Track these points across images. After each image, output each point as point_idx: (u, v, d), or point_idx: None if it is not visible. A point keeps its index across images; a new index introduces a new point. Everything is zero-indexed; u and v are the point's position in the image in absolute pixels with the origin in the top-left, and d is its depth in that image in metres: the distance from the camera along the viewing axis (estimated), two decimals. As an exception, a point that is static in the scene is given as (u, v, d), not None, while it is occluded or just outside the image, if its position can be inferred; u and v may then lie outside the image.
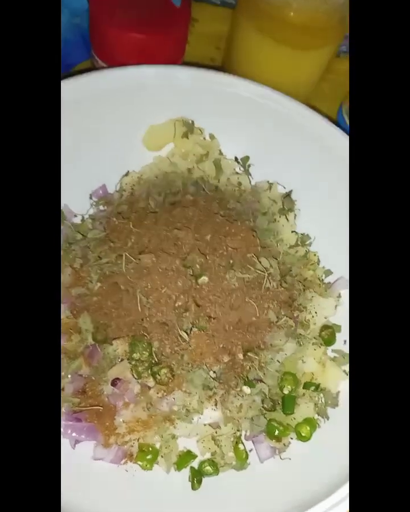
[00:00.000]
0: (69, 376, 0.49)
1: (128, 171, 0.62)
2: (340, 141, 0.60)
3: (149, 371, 0.47)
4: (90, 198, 0.61)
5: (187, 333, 0.47)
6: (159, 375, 0.46)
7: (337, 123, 0.78)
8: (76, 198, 0.60)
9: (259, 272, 0.51)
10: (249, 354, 0.49)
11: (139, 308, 0.48)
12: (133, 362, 0.47)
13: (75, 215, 0.60)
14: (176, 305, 0.48)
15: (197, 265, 0.49)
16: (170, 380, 0.47)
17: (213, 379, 0.47)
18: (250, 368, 0.49)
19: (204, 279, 0.48)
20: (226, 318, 0.48)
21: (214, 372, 0.48)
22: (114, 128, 0.62)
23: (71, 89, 0.57)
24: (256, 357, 0.49)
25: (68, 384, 0.49)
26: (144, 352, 0.47)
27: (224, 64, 0.77)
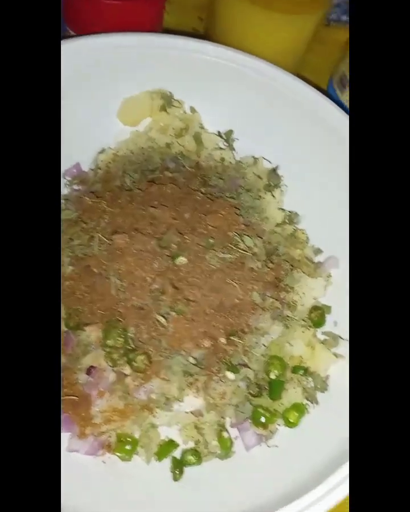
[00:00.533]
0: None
1: (103, 148, 0.59)
2: (331, 112, 0.57)
3: (125, 358, 0.44)
4: (63, 177, 0.58)
5: (164, 318, 0.44)
6: (135, 362, 0.44)
7: (327, 94, 0.75)
8: (50, 178, 0.57)
9: (242, 251, 0.48)
10: (232, 338, 0.46)
11: (113, 291, 0.45)
12: (107, 349, 0.44)
13: (49, 196, 0.57)
14: (152, 288, 0.45)
15: (175, 246, 0.46)
16: (147, 368, 0.44)
17: (194, 365, 0.45)
18: (233, 353, 0.46)
19: (182, 259, 0.45)
20: (207, 301, 0.45)
21: (194, 358, 0.45)
22: (88, 102, 0.58)
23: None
24: (240, 341, 0.46)
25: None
26: (119, 338, 0.44)
27: (206, 33, 0.73)
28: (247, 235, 0.49)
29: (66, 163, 0.57)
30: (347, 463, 0.40)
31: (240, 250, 0.48)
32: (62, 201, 0.55)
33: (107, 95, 0.58)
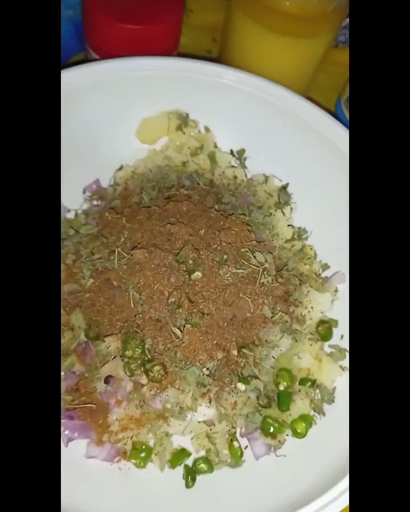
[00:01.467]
0: (62, 373, 0.49)
1: (122, 165, 0.61)
2: (338, 134, 0.59)
3: (142, 368, 0.46)
4: (84, 192, 0.60)
5: (180, 330, 0.46)
6: (152, 372, 0.46)
7: (335, 115, 0.77)
8: (69, 193, 0.59)
9: (254, 267, 0.50)
10: (243, 350, 0.48)
11: (132, 304, 0.47)
12: (126, 359, 0.46)
13: (68, 211, 0.59)
14: (169, 301, 0.47)
15: (191, 261, 0.48)
16: (163, 378, 0.46)
17: (207, 376, 0.47)
18: (244, 364, 0.48)
19: (198, 274, 0.48)
20: (220, 314, 0.47)
21: (208, 369, 0.47)
22: (108, 121, 0.61)
23: (65, 82, 0.56)
24: (251, 353, 0.48)
25: (61, 381, 0.49)
26: (137, 349, 0.46)
27: (220, 56, 0.76)
28: (259, 251, 0.51)
29: (86, 179, 0.60)
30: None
31: (252, 265, 0.50)
32: (82, 215, 0.58)
33: (127, 115, 0.61)
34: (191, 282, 0.48)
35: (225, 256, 0.49)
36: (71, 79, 0.57)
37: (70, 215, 0.59)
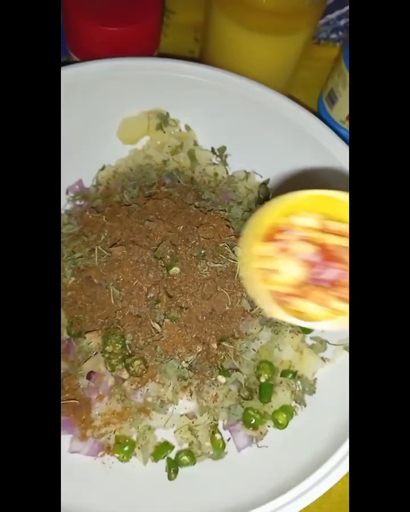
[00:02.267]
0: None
1: (104, 165, 0.62)
2: (318, 130, 0.60)
3: (123, 364, 0.47)
4: (67, 193, 0.61)
5: (159, 324, 0.47)
6: (132, 367, 0.47)
7: (317, 111, 0.78)
8: (53, 194, 0.60)
9: (232, 261, 0.50)
10: (223, 343, 0.49)
11: (112, 300, 0.48)
12: (106, 355, 0.47)
13: (52, 211, 0.60)
14: (148, 296, 0.48)
15: (168, 256, 0.49)
16: (144, 372, 0.47)
17: (187, 369, 0.47)
18: (224, 357, 0.49)
19: (175, 269, 0.48)
20: (199, 308, 0.48)
21: (187, 362, 0.48)
22: (89, 122, 0.62)
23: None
24: (231, 346, 0.49)
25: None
26: (117, 344, 0.47)
27: (201, 55, 0.76)
28: (237, 246, 0.52)
29: (69, 180, 0.61)
30: (329, 460, 0.42)
31: (230, 260, 0.50)
32: (65, 215, 0.59)
33: (108, 115, 0.61)
34: (169, 277, 0.48)
35: (203, 251, 0.50)
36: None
37: (54, 216, 0.60)
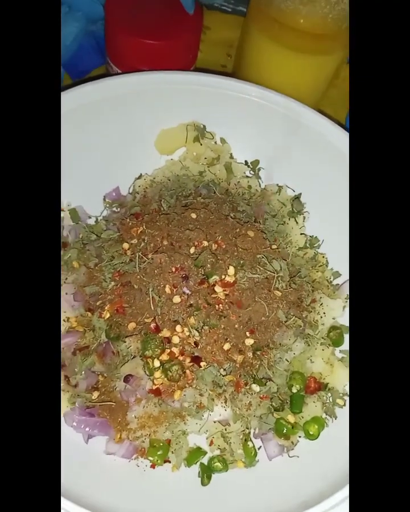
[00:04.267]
0: (83, 372, 0.50)
1: (141, 174, 0.64)
2: (348, 145, 0.61)
3: (161, 368, 0.48)
4: (104, 200, 0.63)
5: (198, 331, 0.48)
6: (170, 371, 0.47)
7: (346, 127, 0.80)
8: (90, 200, 0.62)
9: (270, 272, 0.52)
10: (258, 352, 0.50)
11: (152, 306, 0.49)
12: (145, 359, 0.48)
13: (89, 217, 0.62)
14: (188, 303, 0.49)
15: (209, 265, 0.50)
16: (181, 377, 0.48)
17: (223, 376, 0.48)
18: (259, 366, 0.50)
19: (215, 278, 0.49)
20: (237, 317, 0.49)
21: (224, 370, 0.48)
22: (128, 132, 0.63)
23: (86, 94, 0.59)
24: (266, 356, 0.50)
25: (81, 380, 0.50)
26: (156, 349, 0.48)
27: (235, 71, 0.78)
28: (273, 258, 0.53)
29: (107, 187, 0.62)
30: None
31: (267, 271, 0.52)
32: (102, 221, 0.60)
33: (147, 126, 0.63)
34: (208, 285, 0.49)
35: (241, 262, 0.51)
36: (93, 91, 0.60)
37: (92, 221, 0.61)
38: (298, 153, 0.65)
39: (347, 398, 0.53)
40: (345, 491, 0.44)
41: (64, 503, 0.40)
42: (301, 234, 0.61)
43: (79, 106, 0.58)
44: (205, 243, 0.52)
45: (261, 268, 0.52)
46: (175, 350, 0.48)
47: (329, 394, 0.53)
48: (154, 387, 0.48)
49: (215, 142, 0.66)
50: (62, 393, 0.50)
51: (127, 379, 0.48)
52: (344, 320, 0.57)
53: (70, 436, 0.48)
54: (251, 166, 0.66)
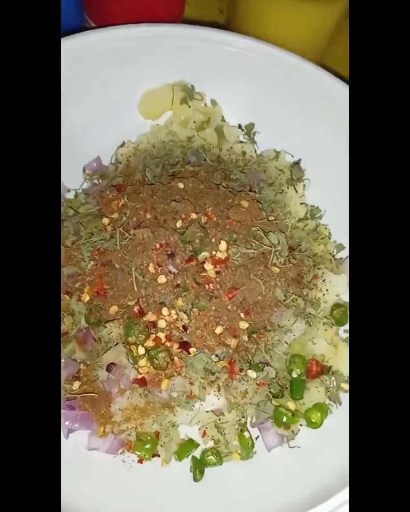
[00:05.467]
0: (63, 360, 0.46)
1: (124, 142, 0.58)
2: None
3: (146, 356, 0.43)
4: (84, 171, 0.57)
5: (186, 314, 0.43)
6: (157, 359, 0.43)
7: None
8: (69, 172, 0.56)
9: (266, 247, 0.46)
10: (254, 335, 0.45)
11: (135, 287, 0.44)
12: (128, 346, 0.43)
13: (68, 191, 0.56)
14: (175, 283, 0.44)
15: (197, 240, 0.45)
16: (168, 365, 0.43)
17: (215, 362, 0.44)
18: (255, 351, 0.45)
19: (205, 254, 0.44)
20: (229, 298, 0.44)
21: (217, 355, 0.44)
22: (108, 95, 0.57)
23: (62, 51, 0.52)
24: (262, 339, 0.45)
25: (61, 370, 0.46)
26: (140, 335, 0.43)
27: (228, 25, 0.71)
28: (271, 230, 0.48)
29: (86, 157, 0.57)
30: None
31: (263, 245, 0.46)
32: (82, 195, 0.55)
33: (128, 87, 0.57)
34: (198, 263, 0.44)
35: (234, 236, 0.46)
36: (69, 48, 0.53)
37: (70, 196, 0.56)
38: (297, 114, 0.59)
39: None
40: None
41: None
42: (301, 203, 0.56)
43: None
44: (194, 216, 0.47)
45: (257, 242, 0.47)
46: (161, 335, 0.44)
47: (333, 378, 0.48)
48: (139, 376, 0.44)
49: (205, 104, 0.59)
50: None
51: (109, 367, 0.44)
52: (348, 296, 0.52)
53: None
54: (245, 130, 0.60)
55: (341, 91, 0.55)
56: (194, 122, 0.58)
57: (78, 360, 0.47)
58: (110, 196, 0.50)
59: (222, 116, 0.59)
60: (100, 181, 0.56)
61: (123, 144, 0.58)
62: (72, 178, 0.57)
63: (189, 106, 0.58)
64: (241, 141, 0.59)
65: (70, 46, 0.53)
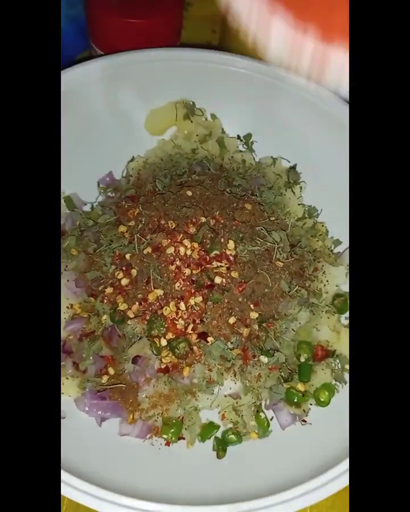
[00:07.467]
0: (91, 358, 0.51)
1: (133, 157, 0.63)
2: (342, 111, 0.60)
3: (168, 346, 0.48)
4: (98, 185, 0.62)
5: (202, 307, 0.48)
6: (177, 349, 0.48)
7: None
8: (84, 186, 0.61)
9: (270, 244, 0.51)
10: (263, 324, 0.50)
11: (153, 286, 0.49)
12: (152, 339, 0.48)
13: (85, 204, 0.61)
14: (190, 280, 0.49)
15: (208, 241, 0.50)
16: (188, 354, 0.48)
17: (230, 350, 0.48)
18: (266, 338, 0.50)
19: (216, 252, 0.49)
20: (240, 291, 0.49)
21: (231, 343, 0.49)
22: (116, 115, 0.63)
23: (71, 79, 0.58)
24: (271, 327, 0.50)
25: (90, 365, 0.51)
26: (161, 328, 0.48)
27: (221, 45, 0.77)
28: (273, 229, 0.53)
29: (100, 172, 0.62)
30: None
31: (268, 243, 0.51)
32: (98, 207, 0.60)
33: (135, 107, 0.62)
34: (210, 261, 0.49)
35: (241, 235, 0.51)
36: (77, 76, 0.59)
37: (87, 208, 0.61)
38: (291, 123, 0.64)
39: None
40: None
41: (87, 486, 0.41)
42: (299, 204, 0.61)
43: (65, 92, 0.58)
44: (203, 219, 0.51)
45: (261, 240, 0.51)
46: (180, 327, 0.48)
47: (338, 361, 0.53)
48: (163, 366, 0.48)
49: (206, 118, 0.65)
50: (71, 379, 0.50)
51: (135, 360, 0.48)
52: (348, 287, 0.57)
53: (83, 420, 0.49)
54: (244, 140, 0.65)
55: (327, 99, 0.60)
56: (197, 135, 0.63)
57: (106, 356, 0.51)
58: (126, 206, 0.55)
59: (222, 129, 0.65)
60: (114, 193, 0.62)
61: (133, 159, 0.63)
62: (87, 193, 0.62)
63: (191, 121, 0.63)
64: (240, 151, 0.64)
65: (81, 74, 0.59)
